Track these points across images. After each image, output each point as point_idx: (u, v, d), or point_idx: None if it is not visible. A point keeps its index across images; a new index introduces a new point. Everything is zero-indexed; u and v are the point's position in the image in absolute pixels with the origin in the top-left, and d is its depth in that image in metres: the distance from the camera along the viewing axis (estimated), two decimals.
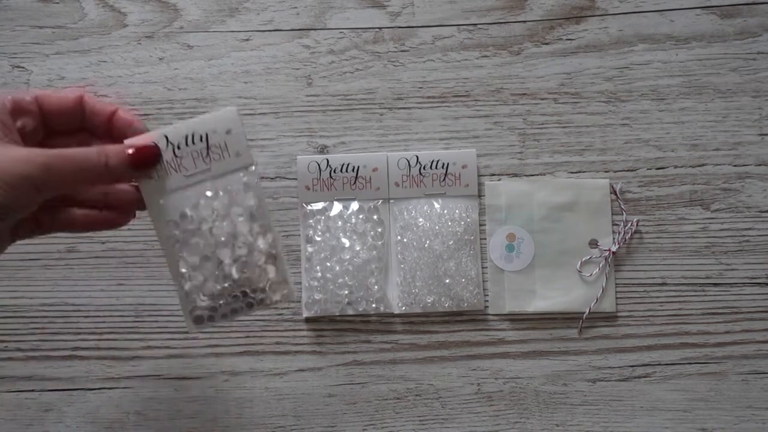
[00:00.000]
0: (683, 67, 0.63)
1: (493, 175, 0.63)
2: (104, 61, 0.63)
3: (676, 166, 0.62)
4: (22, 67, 0.63)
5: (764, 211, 0.62)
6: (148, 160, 0.42)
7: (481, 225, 0.62)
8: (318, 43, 0.63)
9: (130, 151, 0.41)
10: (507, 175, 0.63)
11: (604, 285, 0.61)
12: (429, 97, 0.63)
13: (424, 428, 0.61)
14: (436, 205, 0.62)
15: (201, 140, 0.43)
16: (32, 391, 0.61)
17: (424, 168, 0.62)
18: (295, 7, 0.64)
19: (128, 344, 0.61)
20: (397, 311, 0.61)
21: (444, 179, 0.62)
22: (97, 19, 0.64)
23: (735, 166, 0.62)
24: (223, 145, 0.43)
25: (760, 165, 0.62)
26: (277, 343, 0.61)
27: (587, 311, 0.61)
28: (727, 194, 0.62)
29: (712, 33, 0.63)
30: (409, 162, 0.62)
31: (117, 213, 0.46)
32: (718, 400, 0.60)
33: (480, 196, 0.62)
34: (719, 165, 0.62)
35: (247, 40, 0.63)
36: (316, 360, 0.61)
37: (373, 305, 0.60)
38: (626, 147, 0.62)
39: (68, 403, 0.61)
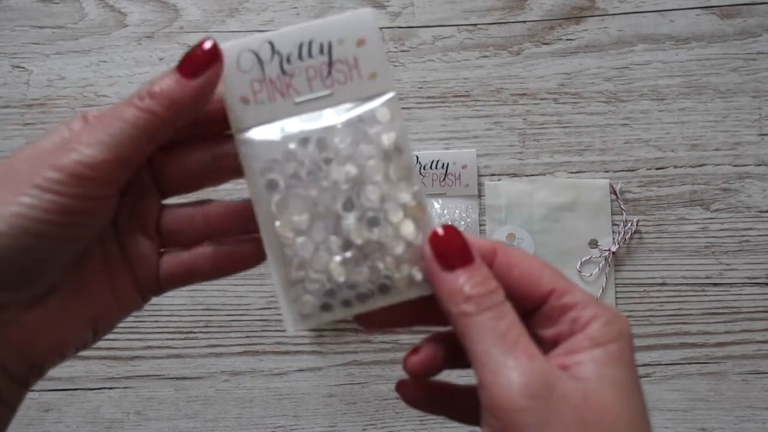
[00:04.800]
0: (683, 67, 0.63)
1: (493, 175, 0.63)
2: (104, 62, 0.63)
3: (676, 166, 0.62)
4: (22, 67, 0.63)
5: (764, 211, 0.62)
6: (202, 57, 0.28)
7: (481, 225, 0.62)
8: None
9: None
10: (507, 175, 0.63)
11: (604, 285, 0.61)
12: (429, 97, 0.63)
13: (424, 428, 0.61)
14: (436, 205, 0.62)
15: (321, 52, 0.30)
16: (32, 391, 0.61)
17: (424, 168, 0.62)
18: (295, 7, 0.64)
19: (128, 344, 0.61)
20: None
21: (444, 179, 0.62)
22: (97, 19, 0.64)
23: (735, 166, 0.62)
24: (352, 61, 0.30)
25: (759, 165, 0.62)
26: (277, 343, 0.61)
27: None
28: (727, 194, 0.62)
29: (712, 33, 0.63)
30: None
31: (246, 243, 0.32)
32: (718, 400, 0.60)
33: (480, 196, 0.62)
34: (719, 165, 0.62)
35: None
36: (316, 360, 0.61)
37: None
38: (626, 147, 0.62)
39: (68, 403, 0.61)
